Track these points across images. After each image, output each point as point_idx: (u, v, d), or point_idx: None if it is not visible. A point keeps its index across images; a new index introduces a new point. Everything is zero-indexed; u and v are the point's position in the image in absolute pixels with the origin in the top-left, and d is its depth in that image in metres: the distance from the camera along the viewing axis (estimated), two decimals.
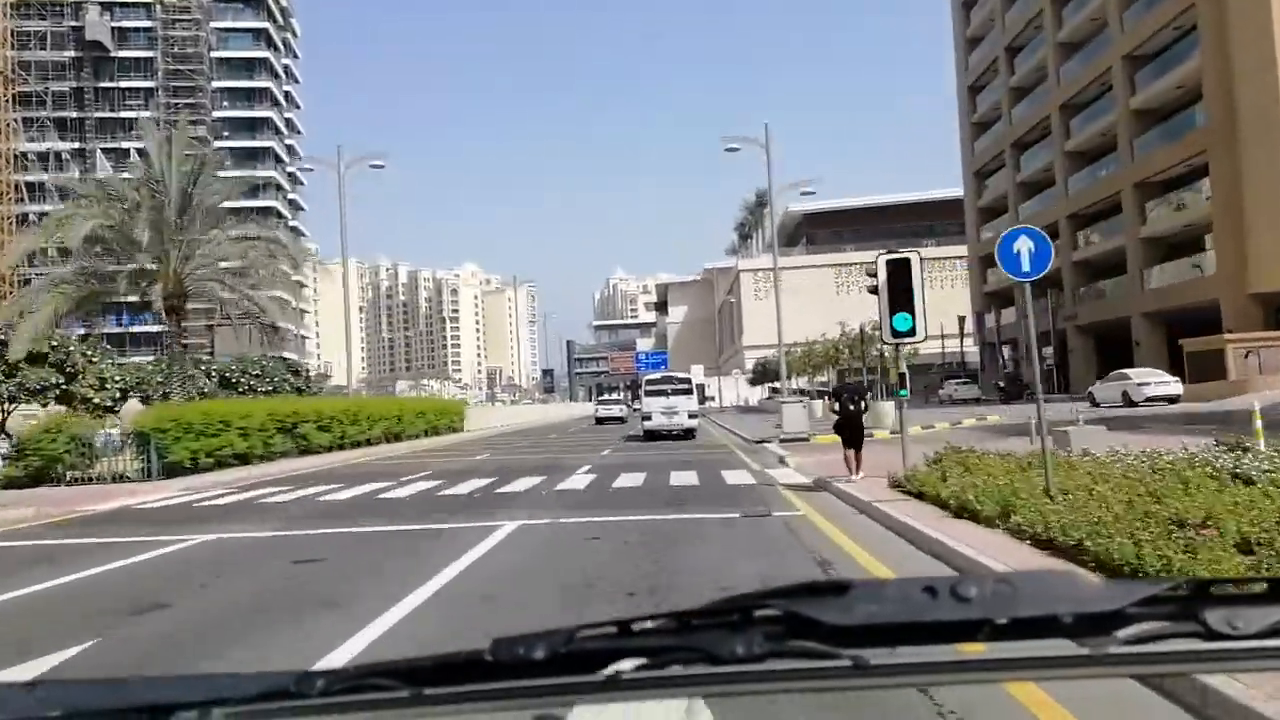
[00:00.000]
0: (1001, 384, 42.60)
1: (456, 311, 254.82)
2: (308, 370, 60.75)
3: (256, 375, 52.82)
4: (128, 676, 0.79)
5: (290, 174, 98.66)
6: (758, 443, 22.25)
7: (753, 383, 58.88)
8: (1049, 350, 49.66)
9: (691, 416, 27.11)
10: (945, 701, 2.73)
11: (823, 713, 2.74)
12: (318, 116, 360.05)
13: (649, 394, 27.87)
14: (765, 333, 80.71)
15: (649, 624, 0.75)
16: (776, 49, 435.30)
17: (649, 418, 27.14)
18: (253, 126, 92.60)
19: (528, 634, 0.74)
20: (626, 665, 0.73)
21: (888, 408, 27.96)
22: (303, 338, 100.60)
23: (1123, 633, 0.72)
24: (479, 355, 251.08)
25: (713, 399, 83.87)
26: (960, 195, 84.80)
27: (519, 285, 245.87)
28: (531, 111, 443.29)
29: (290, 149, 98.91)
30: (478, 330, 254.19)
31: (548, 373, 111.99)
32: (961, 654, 0.74)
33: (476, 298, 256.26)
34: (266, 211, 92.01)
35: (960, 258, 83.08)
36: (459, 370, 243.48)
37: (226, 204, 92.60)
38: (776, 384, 59.89)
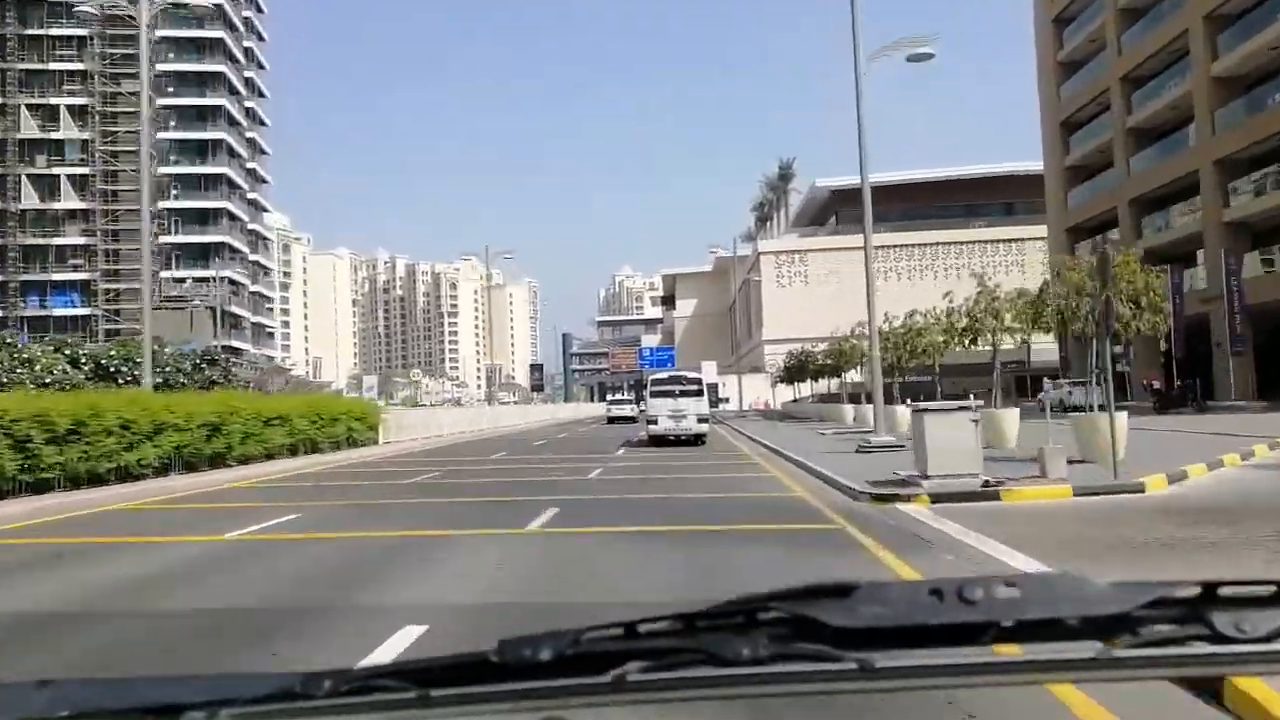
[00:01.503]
0: (1155, 386, 30.29)
1: (456, 306, 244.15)
2: (227, 360, 48.69)
3: (142, 363, 41.00)
4: (135, 677, 0.80)
5: (250, 140, 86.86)
6: (879, 498, 10.21)
7: (787, 380, 46.68)
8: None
9: (701, 421, 24.60)
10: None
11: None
12: (300, 99, 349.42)
13: (655, 395, 25.05)
14: (789, 324, 68.59)
15: (655, 626, 0.75)
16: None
17: (654, 421, 24.75)
18: (203, 82, 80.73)
19: (534, 635, 0.74)
20: (632, 667, 0.73)
21: (1011, 420, 16.16)
22: (260, 326, 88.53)
23: (1129, 635, 0.72)
24: (478, 351, 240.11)
25: (727, 400, 72.30)
26: (1013, 171, 73.11)
27: (515, 275, 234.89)
28: (538, 105, 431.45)
29: (249, 112, 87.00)
30: (477, 326, 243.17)
31: (536, 368, 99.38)
32: (967, 656, 0.73)
33: (476, 293, 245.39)
34: (216, 179, 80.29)
35: (1019, 240, 71.27)
36: (456, 367, 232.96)
37: (170, 170, 79.47)
38: (806, 382, 47.61)
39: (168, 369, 40.91)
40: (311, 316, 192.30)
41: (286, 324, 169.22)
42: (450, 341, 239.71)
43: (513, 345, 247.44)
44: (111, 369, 39.17)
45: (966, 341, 17.36)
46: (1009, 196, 76.19)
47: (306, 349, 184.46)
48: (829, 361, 35.36)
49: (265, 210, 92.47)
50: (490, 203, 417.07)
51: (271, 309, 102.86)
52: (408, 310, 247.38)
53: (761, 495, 11.72)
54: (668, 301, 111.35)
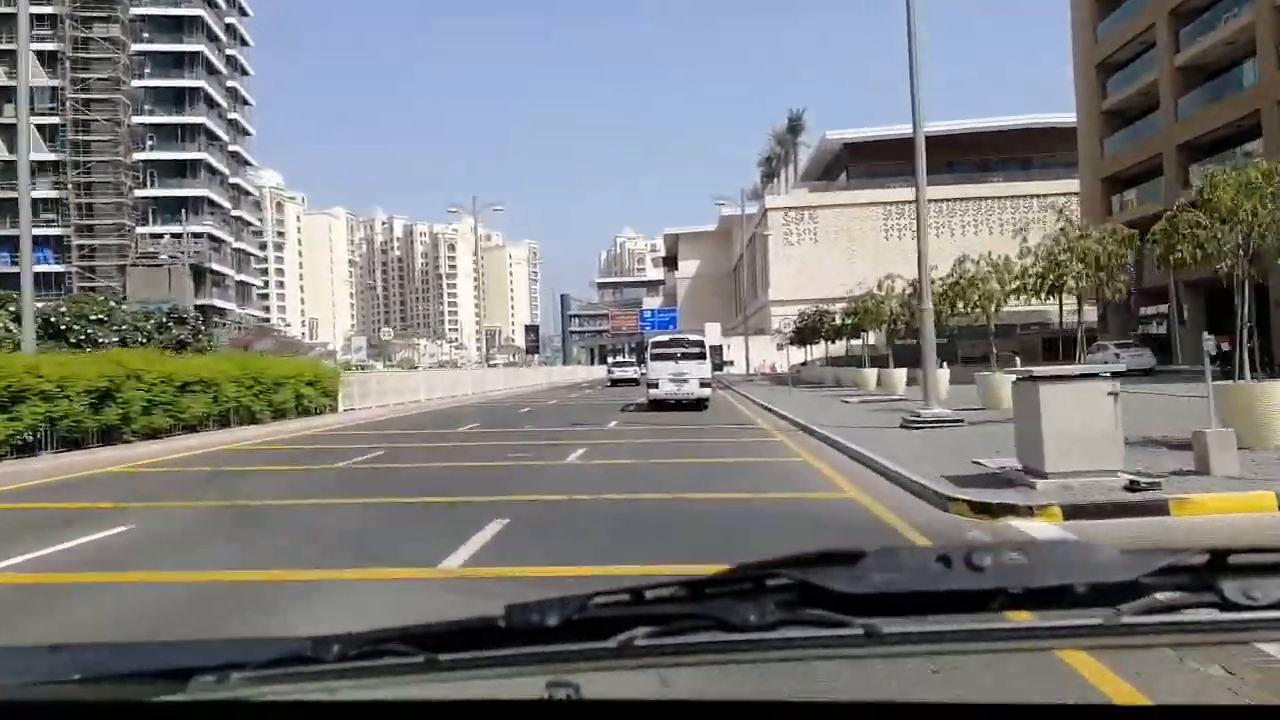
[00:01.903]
0: (1224, 349, 26.81)
1: (454, 268, 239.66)
2: (197, 318, 45.33)
3: (98, 320, 37.79)
4: (145, 641, 0.83)
5: (231, 89, 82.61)
6: (980, 508, 6.88)
7: (799, 342, 43.36)
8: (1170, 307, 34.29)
9: (704, 385, 23.83)
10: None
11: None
12: (289, 54, 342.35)
13: (655, 358, 24.33)
14: (797, 284, 65.31)
15: (662, 591, 0.76)
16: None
17: (655, 385, 23.97)
18: (180, 27, 76.34)
19: (541, 600, 0.74)
20: (639, 632, 0.73)
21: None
22: (246, 285, 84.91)
23: (1138, 603, 0.71)
24: (477, 314, 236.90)
25: (732, 363, 69.59)
26: (1031, 123, 69.10)
27: (515, 235, 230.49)
28: (538, 68, 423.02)
29: (230, 60, 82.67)
30: (476, 288, 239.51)
31: (532, 329, 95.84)
32: (975, 623, 0.73)
33: (475, 254, 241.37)
34: (195, 130, 76.23)
35: (1042, 195, 67.55)
36: (456, 329, 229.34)
37: (146, 119, 74.56)
38: (819, 344, 44.23)
39: (124, 328, 37.65)
40: (307, 278, 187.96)
41: (281, 285, 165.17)
42: (450, 303, 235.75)
43: (513, 308, 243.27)
44: (62, 327, 35.91)
45: (1044, 294, 13.92)
46: (1026, 152, 72.49)
47: (303, 310, 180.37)
48: (849, 321, 31.92)
49: (249, 164, 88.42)
50: (488, 164, 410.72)
51: (264, 268, 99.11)
52: (406, 272, 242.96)
53: (801, 497, 8.37)
54: (670, 262, 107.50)
